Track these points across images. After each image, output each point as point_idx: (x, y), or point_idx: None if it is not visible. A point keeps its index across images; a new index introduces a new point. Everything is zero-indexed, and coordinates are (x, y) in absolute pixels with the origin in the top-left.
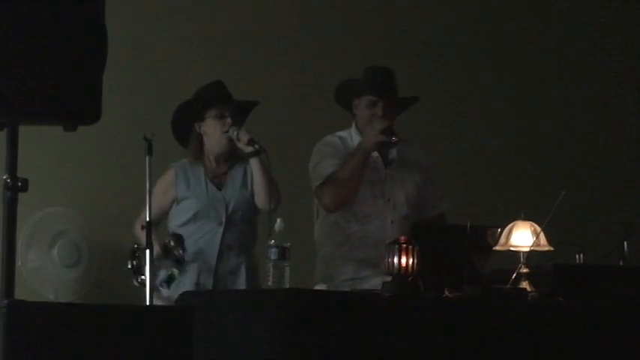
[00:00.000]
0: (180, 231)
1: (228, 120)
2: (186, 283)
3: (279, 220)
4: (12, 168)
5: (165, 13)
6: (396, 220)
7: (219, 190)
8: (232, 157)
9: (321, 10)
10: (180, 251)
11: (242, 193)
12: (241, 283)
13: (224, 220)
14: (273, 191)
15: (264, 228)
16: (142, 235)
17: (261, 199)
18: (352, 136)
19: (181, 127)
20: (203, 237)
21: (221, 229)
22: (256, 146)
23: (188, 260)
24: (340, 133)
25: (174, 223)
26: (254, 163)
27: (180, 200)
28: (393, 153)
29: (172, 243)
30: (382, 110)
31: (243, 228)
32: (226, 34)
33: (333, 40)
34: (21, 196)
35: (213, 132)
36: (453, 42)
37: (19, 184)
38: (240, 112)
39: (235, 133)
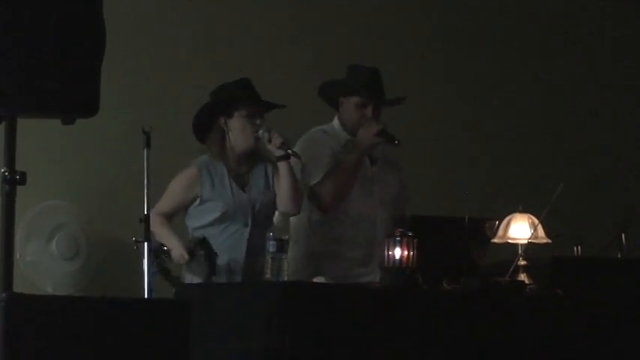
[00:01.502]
0: (204, 232)
1: (258, 121)
2: None
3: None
4: (10, 161)
5: (164, 7)
6: (383, 219)
7: (243, 190)
8: (253, 157)
9: (321, 9)
10: (213, 256)
11: (265, 193)
12: None
13: (250, 221)
14: (299, 197)
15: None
16: (169, 240)
17: (285, 204)
18: (337, 131)
19: (205, 121)
20: (229, 238)
21: (247, 230)
22: (289, 151)
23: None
24: (324, 128)
25: (196, 223)
26: (282, 167)
27: (205, 201)
28: (377, 152)
29: (200, 249)
30: (372, 112)
31: (266, 228)
32: (226, 28)
33: (334, 39)
34: (19, 189)
35: (240, 130)
36: (452, 38)
37: (18, 177)
38: (264, 110)
39: (267, 134)
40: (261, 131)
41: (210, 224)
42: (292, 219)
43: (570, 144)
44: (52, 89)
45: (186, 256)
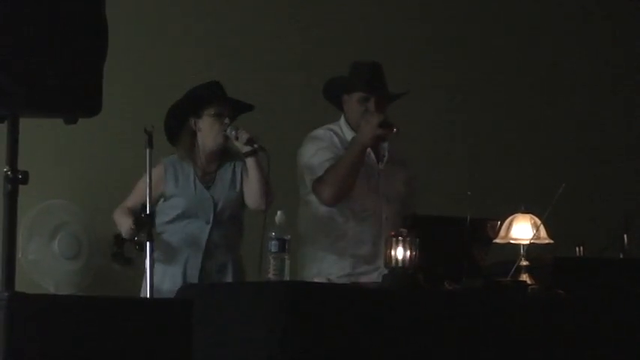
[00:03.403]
0: (167, 228)
1: (226, 120)
2: (174, 279)
3: (279, 212)
4: (12, 160)
5: (166, 6)
6: (389, 216)
7: (208, 189)
8: (223, 156)
9: (320, 8)
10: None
11: (230, 192)
12: (229, 275)
13: (211, 219)
14: (267, 192)
15: (255, 225)
16: (121, 220)
17: (253, 199)
18: (343, 130)
19: (174, 123)
20: (190, 235)
21: (208, 228)
22: (255, 145)
23: (175, 248)
24: (331, 126)
25: (162, 219)
26: (250, 163)
27: (168, 197)
28: (384, 148)
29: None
30: (374, 106)
31: (229, 227)
32: (226, 29)
33: (332, 38)
34: (21, 188)
35: (209, 129)
36: (453, 36)
37: (20, 176)
38: (234, 111)
39: (234, 132)
40: (228, 129)
41: (173, 220)
42: (300, 217)
43: (572, 144)
44: (55, 88)
45: (133, 226)
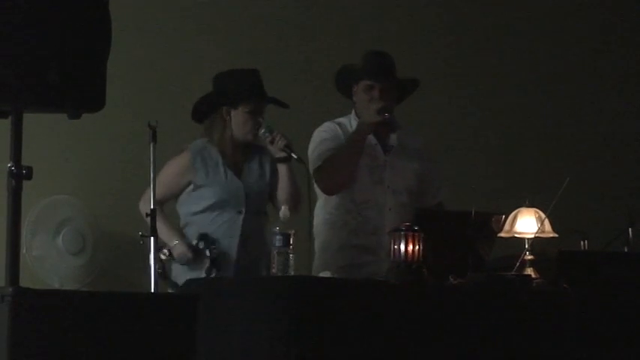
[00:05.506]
0: (195, 219)
1: (261, 119)
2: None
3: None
4: (16, 156)
5: (169, 3)
6: (394, 207)
7: (239, 178)
8: (247, 147)
9: (330, 4)
10: (214, 250)
11: (260, 183)
12: (263, 272)
13: (244, 209)
14: (296, 199)
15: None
16: (169, 234)
17: (286, 205)
18: (351, 122)
19: (208, 106)
20: (222, 226)
21: (240, 218)
22: (293, 155)
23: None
24: (339, 120)
25: (188, 210)
26: (282, 169)
27: (198, 187)
28: (393, 139)
29: (202, 245)
30: (379, 94)
31: (260, 217)
32: (231, 23)
33: (337, 30)
34: (25, 184)
35: (242, 124)
36: (457, 29)
37: (24, 172)
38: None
39: (269, 135)
40: (262, 130)
41: (204, 211)
42: (314, 214)
43: (577, 138)
44: (58, 84)
45: (190, 255)
